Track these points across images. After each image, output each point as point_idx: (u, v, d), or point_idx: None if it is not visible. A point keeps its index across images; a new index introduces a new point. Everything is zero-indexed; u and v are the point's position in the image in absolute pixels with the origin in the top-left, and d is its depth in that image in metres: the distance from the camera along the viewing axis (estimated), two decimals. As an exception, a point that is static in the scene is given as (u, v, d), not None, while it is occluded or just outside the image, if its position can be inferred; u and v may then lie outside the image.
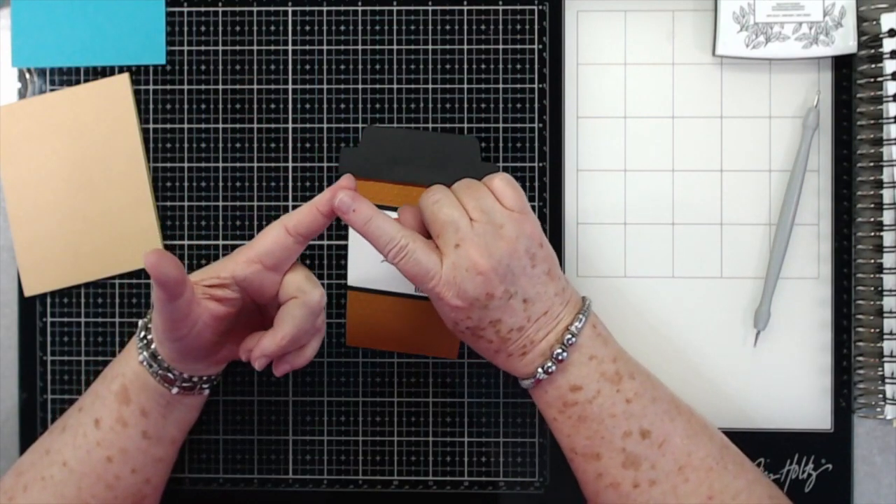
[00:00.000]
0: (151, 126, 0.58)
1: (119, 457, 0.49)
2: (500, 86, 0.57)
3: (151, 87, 0.58)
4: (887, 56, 0.54)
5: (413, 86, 0.57)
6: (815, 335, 0.57)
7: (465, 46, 0.57)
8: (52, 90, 0.58)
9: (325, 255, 0.58)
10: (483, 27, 0.57)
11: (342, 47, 0.58)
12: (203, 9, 0.58)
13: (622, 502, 0.48)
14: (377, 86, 0.58)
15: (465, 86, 0.57)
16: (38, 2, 0.57)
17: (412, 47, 0.57)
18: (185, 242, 0.58)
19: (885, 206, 0.55)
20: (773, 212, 0.57)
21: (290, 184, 0.58)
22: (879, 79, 0.55)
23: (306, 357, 0.50)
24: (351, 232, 0.57)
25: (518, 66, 0.57)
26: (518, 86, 0.57)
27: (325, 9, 0.58)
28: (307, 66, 0.58)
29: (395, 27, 0.57)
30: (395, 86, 0.58)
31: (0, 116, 0.57)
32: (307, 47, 0.58)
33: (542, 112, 0.57)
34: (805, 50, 0.55)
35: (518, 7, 0.57)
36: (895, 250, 0.55)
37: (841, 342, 0.57)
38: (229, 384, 0.58)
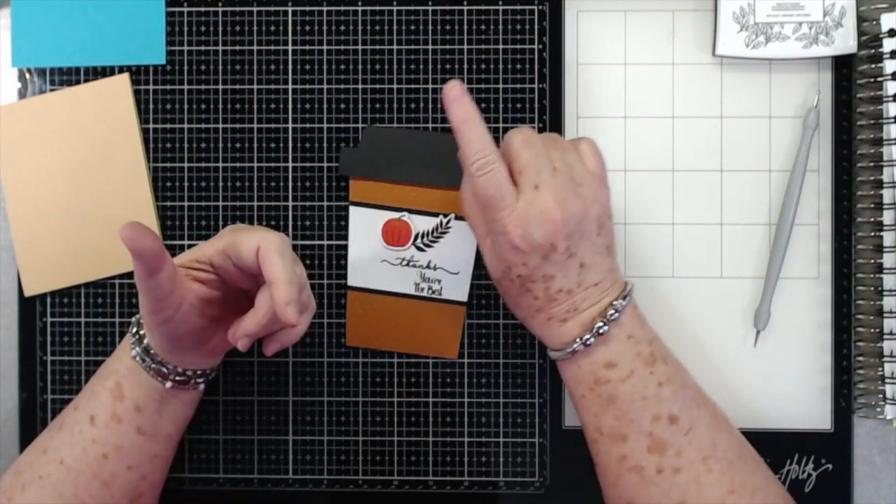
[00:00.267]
0: (151, 126, 0.58)
1: (114, 454, 0.49)
2: (500, 86, 0.57)
3: (151, 87, 0.58)
4: (887, 56, 0.54)
5: (413, 86, 0.57)
6: (815, 335, 0.57)
7: (465, 46, 0.57)
8: (52, 90, 0.58)
9: (325, 255, 0.58)
10: (483, 27, 0.57)
11: (342, 47, 0.58)
12: (203, 9, 0.58)
13: (643, 487, 0.48)
14: (377, 86, 0.58)
15: (465, 86, 0.57)
16: (38, 2, 0.57)
17: (412, 47, 0.57)
18: (185, 242, 0.58)
19: (885, 206, 0.55)
20: (773, 212, 0.57)
21: (290, 184, 0.58)
22: (879, 79, 0.55)
23: (297, 333, 0.49)
24: (351, 232, 0.57)
25: (518, 66, 0.57)
26: (518, 86, 0.57)
27: (325, 9, 0.58)
28: (307, 66, 0.58)
29: (395, 27, 0.57)
30: (395, 86, 0.58)
31: (0, 116, 0.57)
32: (307, 47, 0.58)
33: (542, 112, 0.57)
34: (805, 50, 0.55)
35: (518, 7, 0.57)
36: (895, 250, 0.55)
37: (841, 342, 0.57)
38: (229, 384, 0.58)
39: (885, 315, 0.55)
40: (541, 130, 0.57)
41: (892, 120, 0.55)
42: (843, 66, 0.57)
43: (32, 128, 0.57)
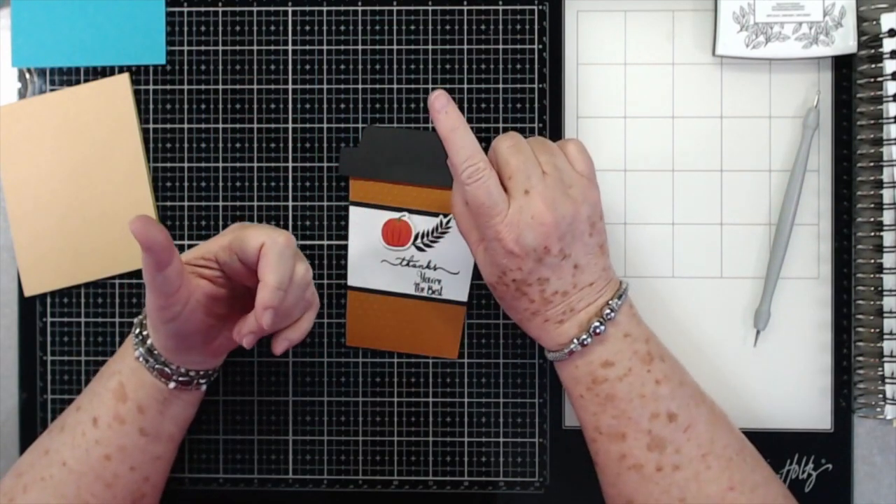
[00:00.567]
0: (151, 126, 0.58)
1: (117, 455, 0.49)
2: (500, 86, 0.57)
3: (151, 87, 0.58)
4: (887, 56, 0.54)
5: (413, 86, 0.57)
6: (815, 335, 0.57)
7: (465, 46, 0.57)
8: (52, 90, 0.58)
9: (325, 255, 0.58)
10: (483, 27, 0.57)
11: (342, 47, 0.58)
12: (203, 9, 0.58)
13: (643, 486, 0.48)
14: (377, 86, 0.58)
15: (465, 86, 0.57)
16: (38, 2, 0.57)
17: (412, 47, 0.57)
18: (185, 242, 0.58)
19: (885, 206, 0.55)
20: (773, 212, 0.57)
21: (290, 184, 0.58)
22: (879, 79, 0.55)
23: (302, 330, 0.49)
24: (351, 232, 0.57)
25: (518, 66, 0.57)
26: (518, 86, 0.57)
27: (325, 9, 0.58)
28: (307, 66, 0.58)
29: (395, 27, 0.57)
30: (395, 86, 0.58)
31: (0, 116, 0.57)
32: (307, 47, 0.58)
33: (543, 112, 0.57)
34: (805, 50, 0.55)
35: (518, 7, 0.57)
36: (895, 250, 0.55)
37: (841, 342, 0.57)
38: (229, 384, 0.58)
39: (885, 315, 0.55)
40: (541, 130, 0.57)
41: (892, 120, 0.55)
42: (843, 66, 0.57)
43: (32, 128, 0.57)
